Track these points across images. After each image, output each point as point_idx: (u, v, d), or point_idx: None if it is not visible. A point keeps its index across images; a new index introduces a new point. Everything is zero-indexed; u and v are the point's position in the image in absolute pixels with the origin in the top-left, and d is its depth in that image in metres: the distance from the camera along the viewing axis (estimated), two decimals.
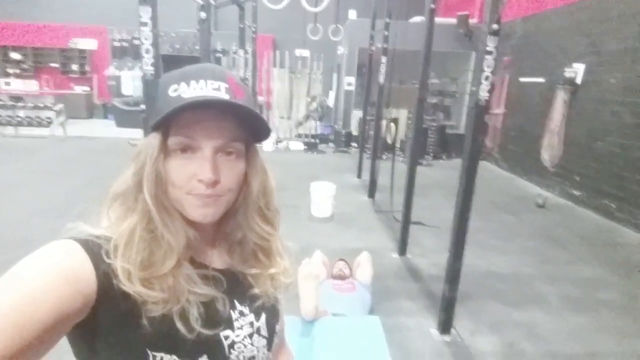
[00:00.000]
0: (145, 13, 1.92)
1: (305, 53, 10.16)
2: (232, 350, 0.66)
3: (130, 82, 12.29)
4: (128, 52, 12.57)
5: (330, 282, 2.79)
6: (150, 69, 2.04)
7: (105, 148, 8.23)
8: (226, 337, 0.65)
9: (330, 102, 10.29)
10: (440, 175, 7.31)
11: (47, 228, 4.28)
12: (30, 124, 9.22)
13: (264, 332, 0.72)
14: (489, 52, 2.23)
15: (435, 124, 8.67)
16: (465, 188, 2.47)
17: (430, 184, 6.54)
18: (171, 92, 0.59)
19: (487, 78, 2.28)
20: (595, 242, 4.57)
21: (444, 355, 2.51)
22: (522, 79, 7.44)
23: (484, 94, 2.31)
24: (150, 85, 2.07)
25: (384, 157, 6.33)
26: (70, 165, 6.95)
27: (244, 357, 0.67)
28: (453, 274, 2.57)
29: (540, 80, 6.90)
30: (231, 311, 0.67)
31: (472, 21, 8.91)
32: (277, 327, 0.76)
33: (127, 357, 0.57)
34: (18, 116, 9.22)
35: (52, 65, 12.37)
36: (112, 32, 12.22)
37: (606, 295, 3.36)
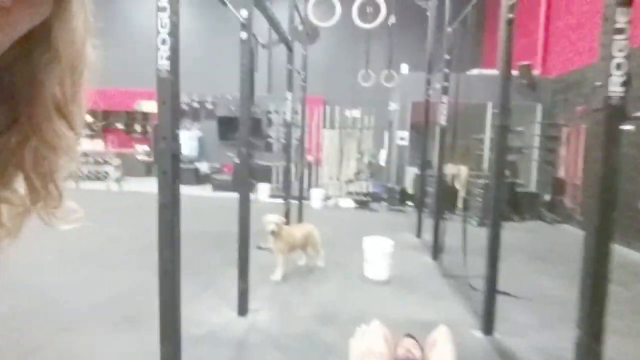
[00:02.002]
0: None
1: (356, 113, 9.98)
2: None
3: (187, 141, 12.71)
4: (187, 114, 13.17)
5: None
6: (165, 64, 1.59)
7: (151, 203, 8.11)
8: None
9: (382, 160, 9.79)
10: (515, 238, 6.27)
11: (63, 275, 4.01)
12: (89, 178, 9.69)
13: None
14: (620, 30, 1.57)
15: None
16: (597, 255, 1.67)
17: (504, 247, 5.54)
18: None
19: (619, 66, 1.59)
20: None
21: None
22: None
23: (617, 87, 1.61)
24: (165, 86, 1.62)
25: (446, 216, 5.52)
26: (113, 216, 6.82)
27: None
28: None
29: (630, 127, 5.94)
30: None
31: (535, 72, 8.29)
32: None
33: None
34: (80, 171, 9.75)
35: (118, 126, 13.17)
36: None
37: None
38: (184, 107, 13.15)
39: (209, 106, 13.17)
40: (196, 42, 13.86)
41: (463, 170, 4.75)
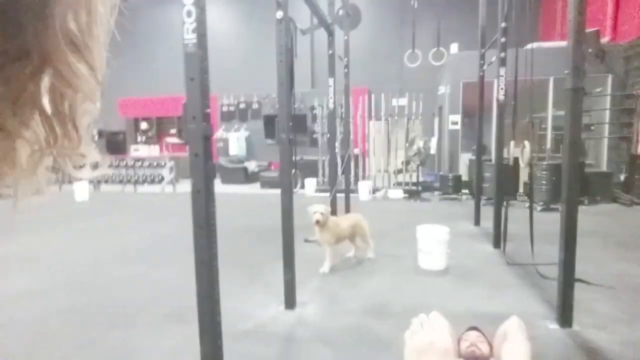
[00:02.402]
0: None
1: (403, 101, 9.58)
2: None
3: (236, 142, 12.99)
4: (235, 115, 13.44)
5: None
6: (192, 38, 1.47)
7: None
8: None
9: (433, 148, 9.32)
10: (588, 222, 5.64)
11: (117, 272, 4.12)
12: (145, 181, 10.19)
13: None
14: None
15: None
16: None
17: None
18: None
19: None
20: None
21: None
22: None
23: None
24: (192, 61, 1.50)
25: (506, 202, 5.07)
26: (166, 216, 7.04)
27: None
28: None
29: None
30: None
31: (603, 39, 7.45)
32: None
33: None
34: (137, 175, 10.32)
35: (172, 131, 13.74)
36: (221, 97, 13.23)
37: None
38: (231, 108, 13.44)
39: (255, 106, 13.35)
40: (241, 44, 14.12)
41: (527, 147, 4.25)
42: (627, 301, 2.98)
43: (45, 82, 0.29)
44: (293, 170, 4.42)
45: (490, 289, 3.30)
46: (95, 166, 0.35)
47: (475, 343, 1.93)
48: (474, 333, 2.04)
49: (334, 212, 4.60)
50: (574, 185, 2.57)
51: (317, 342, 2.53)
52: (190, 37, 1.50)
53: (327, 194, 5.34)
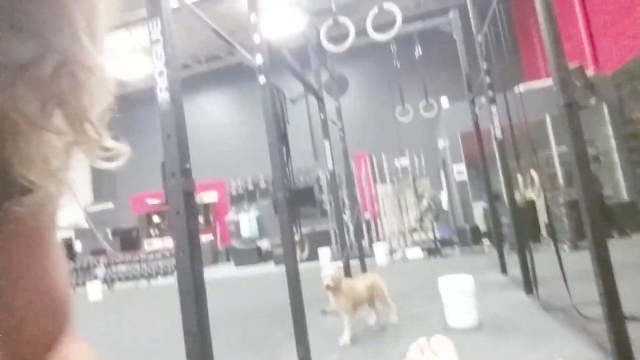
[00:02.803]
0: (154, 28, 1.43)
1: (404, 161, 9.70)
2: None
3: (247, 223, 13.00)
4: (244, 198, 13.63)
5: None
6: (165, 97, 1.46)
7: (215, 285, 8.06)
8: None
9: (444, 203, 9.15)
10: (623, 256, 5.22)
11: None
12: (159, 274, 10.04)
13: None
14: None
15: None
16: None
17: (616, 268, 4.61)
18: None
19: None
20: None
21: None
22: None
23: None
24: (168, 118, 1.48)
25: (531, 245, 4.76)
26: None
27: None
28: None
29: None
30: None
31: (588, 72, 7.61)
32: None
33: None
34: (150, 268, 10.21)
35: None
36: (230, 182, 13.55)
37: None
38: (240, 191, 13.67)
39: (263, 185, 13.57)
40: (243, 130, 14.77)
41: (534, 175, 4.05)
42: None
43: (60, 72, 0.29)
44: (298, 237, 4.27)
45: (530, 339, 2.93)
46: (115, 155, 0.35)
47: None
48: None
49: (348, 274, 4.34)
50: (594, 215, 2.38)
51: None
52: (164, 96, 1.50)
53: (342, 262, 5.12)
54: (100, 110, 0.33)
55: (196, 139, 13.65)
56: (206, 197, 13.98)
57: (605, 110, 7.64)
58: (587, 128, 7.60)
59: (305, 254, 4.21)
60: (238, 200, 13.74)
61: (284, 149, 5.41)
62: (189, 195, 1.51)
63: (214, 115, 14.95)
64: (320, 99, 4.61)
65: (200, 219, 13.78)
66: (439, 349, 0.73)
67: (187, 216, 1.49)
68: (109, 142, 0.35)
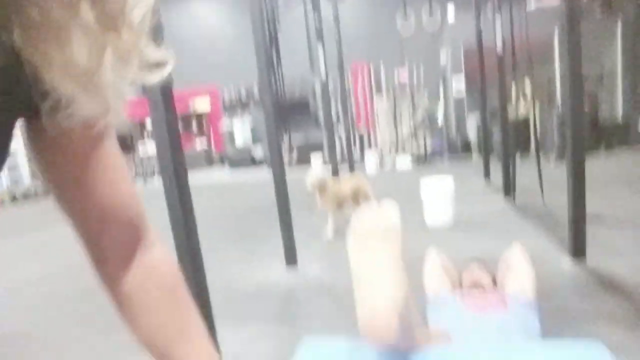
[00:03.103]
0: None
1: (404, 75, 9.39)
2: None
3: (241, 132, 12.99)
4: (238, 106, 13.43)
5: (459, 296, 1.64)
6: None
7: (211, 188, 8.33)
8: None
9: (440, 118, 9.08)
10: (603, 169, 5.40)
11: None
12: (152, 175, 10.53)
13: None
14: None
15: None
16: None
17: (591, 178, 4.80)
18: None
19: None
20: None
21: None
22: None
23: None
24: None
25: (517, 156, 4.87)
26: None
27: None
28: None
29: None
30: None
31: None
32: None
33: None
34: (145, 168, 10.73)
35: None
36: (223, 89, 13.22)
37: None
38: (233, 100, 13.41)
39: (257, 95, 13.27)
40: (236, 36, 13.95)
41: (528, 86, 3.89)
42: None
43: None
44: (287, 142, 4.32)
45: (501, 236, 3.15)
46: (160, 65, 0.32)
47: (477, 275, 1.82)
48: (476, 265, 1.93)
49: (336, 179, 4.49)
50: (578, 102, 2.40)
51: (319, 297, 2.46)
52: None
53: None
54: (140, 12, 0.29)
55: (189, 46, 13.00)
56: (199, 104, 13.74)
57: (619, 28, 7.24)
58: (597, 44, 7.31)
59: (294, 156, 4.29)
60: (232, 109, 13.53)
61: (274, 53, 5.20)
62: (166, 88, 1.49)
63: (208, 22, 14.01)
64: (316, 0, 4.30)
65: (194, 127, 13.72)
66: (385, 208, 0.80)
67: (164, 106, 1.48)
68: (150, 50, 0.31)
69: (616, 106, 7.61)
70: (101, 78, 0.29)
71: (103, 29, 0.27)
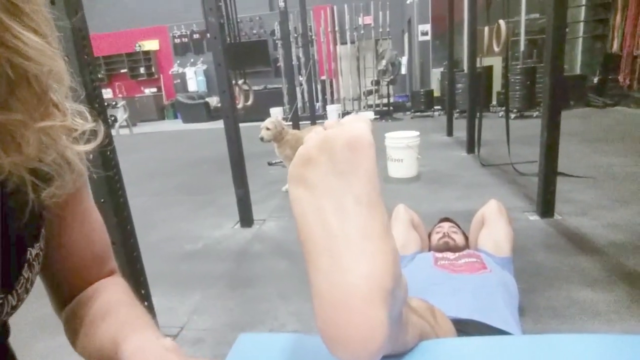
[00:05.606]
0: None
1: (368, 20, 8.91)
2: None
3: (194, 77, 12.05)
4: (189, 48, 12.32)
5: (430, 257, 1.47)
6: None
7: (162, 139, 7.76)
8: None
9: (403, 67, 8.80)
10: (563, 125, 5.43)
11: None
12: None
13: None
14: None
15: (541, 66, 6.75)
16: None
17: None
18: None
19: None
20: None
21: None
22: None
23: None
24: None
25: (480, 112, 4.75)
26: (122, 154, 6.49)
27: None
28: None
29: None
30: None
31: None
32: None
33: None
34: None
35: (122, 71, 12.54)
36: (172, 29, 12.05)
37: None
38: (184, 40, 12.28)
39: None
40: None
41: (502, 26, 3.68)
42: (607, 189, 2.80)
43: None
44: (243, 86, 3.92)
45: (465, 190, 3.06)
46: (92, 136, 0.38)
47: (448, 234, 1.66)
48: (446, 224, 1.76)
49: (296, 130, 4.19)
50: (555, 80, 2.24)
51: (273, 255, 2.24)
52: None
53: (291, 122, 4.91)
54: (55, 91, 0.33)
55: None
56: (146, 44, 12.52)
57: None
58: None
59: (250, 102, 3.91)
60: (183, 50, 12.41)
61: None
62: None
63: None
64: None
65: (142, 70, 12.56)
66: (347, 121, 0.49)
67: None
68: (76, 123, 0.36)
69: (575, 59, 7.66)
70: (48, 158, 0.35)
71: (36, 121, 0.32)
